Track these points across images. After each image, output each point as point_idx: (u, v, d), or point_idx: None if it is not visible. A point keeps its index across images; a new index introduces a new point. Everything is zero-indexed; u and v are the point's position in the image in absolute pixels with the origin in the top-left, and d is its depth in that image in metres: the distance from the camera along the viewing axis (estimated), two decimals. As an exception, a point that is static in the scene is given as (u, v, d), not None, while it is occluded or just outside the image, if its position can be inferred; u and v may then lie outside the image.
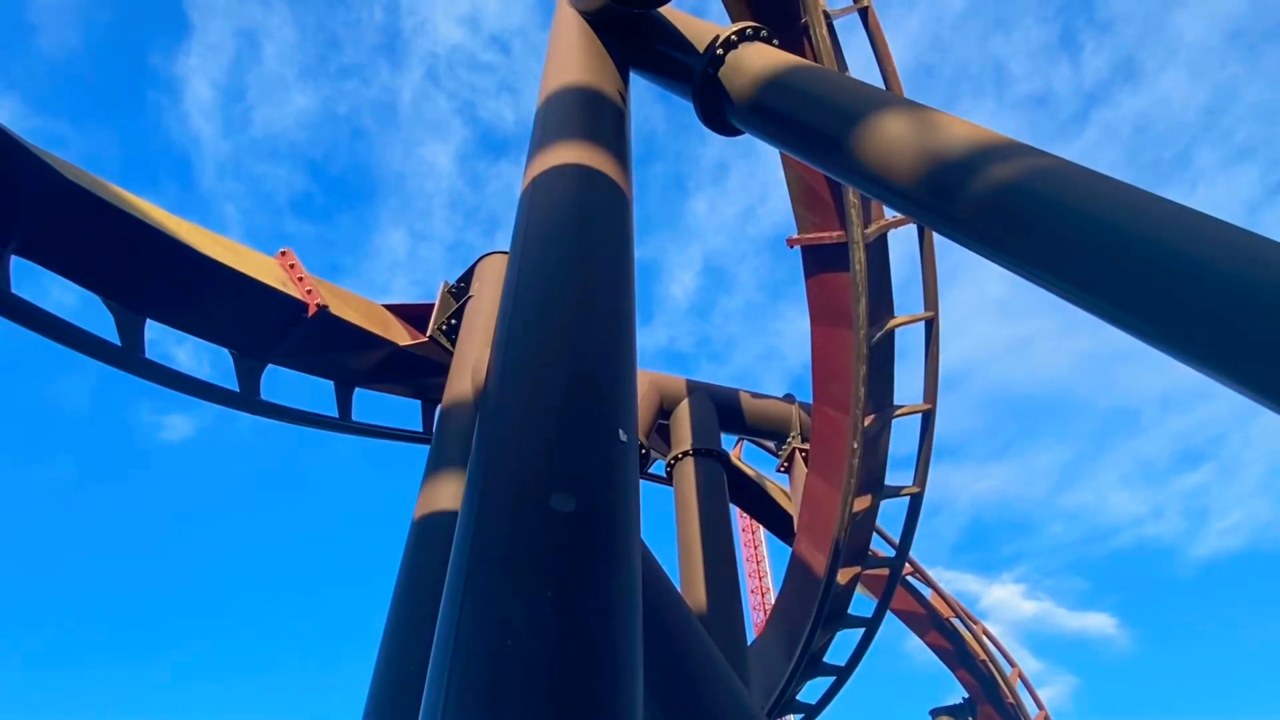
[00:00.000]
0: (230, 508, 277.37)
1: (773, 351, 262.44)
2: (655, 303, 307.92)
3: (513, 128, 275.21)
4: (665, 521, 14.26)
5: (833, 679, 15.68)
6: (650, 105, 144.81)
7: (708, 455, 14.18)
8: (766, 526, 18.40)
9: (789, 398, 16.88)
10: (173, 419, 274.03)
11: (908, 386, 13.00)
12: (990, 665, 19.06)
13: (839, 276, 12.35)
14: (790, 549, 15.36)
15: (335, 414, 12.53)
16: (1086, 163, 4.61)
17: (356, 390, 12.74)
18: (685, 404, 15.10)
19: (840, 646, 15.26)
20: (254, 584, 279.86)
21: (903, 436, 13.35)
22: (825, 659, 15.26)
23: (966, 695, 19.45)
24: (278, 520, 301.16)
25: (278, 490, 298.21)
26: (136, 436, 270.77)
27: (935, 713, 19.74)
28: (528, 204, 6.08)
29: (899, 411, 12.76)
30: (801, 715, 16.19)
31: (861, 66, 11.27)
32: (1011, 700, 18.85)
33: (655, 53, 7.98)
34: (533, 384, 4.62)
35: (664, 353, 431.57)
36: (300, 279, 11.07)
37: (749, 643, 13.57)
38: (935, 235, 11.69)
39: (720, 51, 7.31)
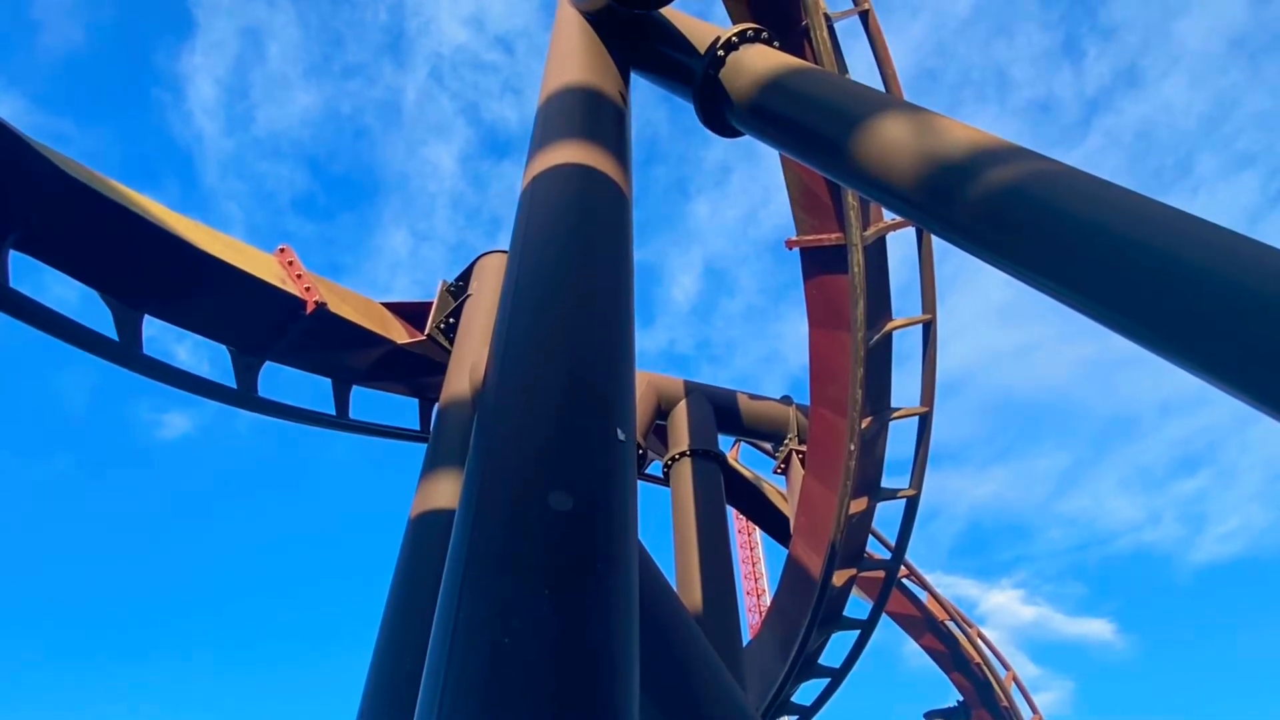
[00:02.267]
0: (229, 505, 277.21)
1: (773, 354, 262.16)
2: (656, 305, 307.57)
3: (516, 128, 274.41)
4: (662, 522, 14.27)
5: (827, 680, 15.70)
6: (654, 108, 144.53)
7: (705, 456, 14.20)
8: (763, 528, 18.41)
9: (786, 399, 16.89)
10: (171, 416, 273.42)
11: (907, 390, 13.03)
12: (985, 669, 19.09)
13: (837, 279, 12.37)
14: (786, 551, 15.38)
15: (333, 412, 12.52)
16: (1089, 169, 4.63)
17: (354, 388, 12.74)
18: (683, 405, 15.12)
19: (835, 648, 15.29)
20: (252, 581, 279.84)
21: (900, 439, 13.39)
22: (820, 661, 15.28)
23: (961, 699, 19.49)
24: (276, 517, 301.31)
25: (276, 487, 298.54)
26: (135, 434, 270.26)
27: (930, 715, 19.76)
28: (528, 203, 6.10)
29: (896, 414, 12.78)
30: (796, 717, 16.20)
31: (862, 70, 11.30)
32: (1006, 704, 18.87)
33: (656, 53, 7.99)
34: (531, 383, 4.63)
35: (665, 354, 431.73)
36: (299, 276, 11.06)
37: (744, 644, 13.59)
38: (934, 238, 11.72)
39: (721, 53, 7.32)
